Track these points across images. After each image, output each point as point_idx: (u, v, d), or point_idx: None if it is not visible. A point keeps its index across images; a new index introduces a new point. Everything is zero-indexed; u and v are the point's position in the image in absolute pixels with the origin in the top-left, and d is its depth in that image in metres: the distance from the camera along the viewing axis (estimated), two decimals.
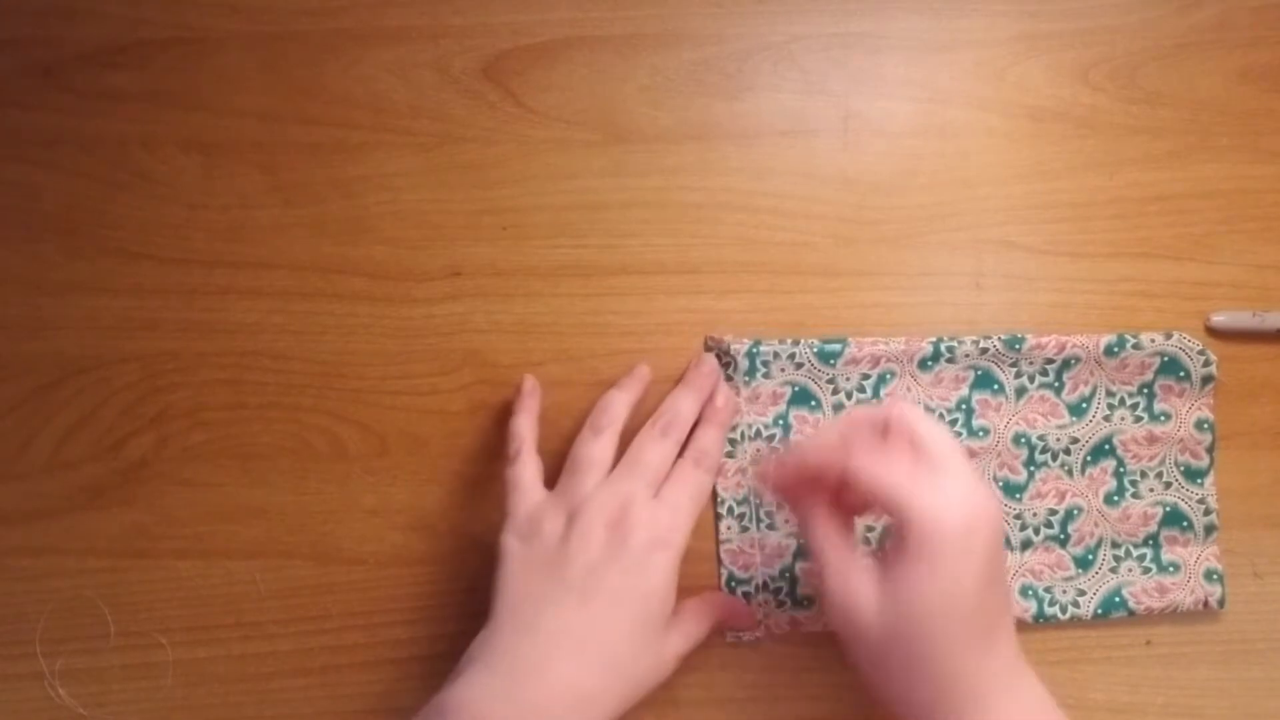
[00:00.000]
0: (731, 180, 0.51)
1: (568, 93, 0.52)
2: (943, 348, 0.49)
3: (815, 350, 0.48)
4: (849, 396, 0.49)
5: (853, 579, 0.39)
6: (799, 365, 0.49)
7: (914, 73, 0.52)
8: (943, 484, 0.39)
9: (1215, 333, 0.50)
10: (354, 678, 0.49)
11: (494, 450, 0.50)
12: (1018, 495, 0.49)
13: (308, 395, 0.50)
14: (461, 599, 0.49)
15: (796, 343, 0.49)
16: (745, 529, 0.49)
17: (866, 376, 0.48)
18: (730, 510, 0.49)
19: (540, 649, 0.41)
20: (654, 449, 0.46)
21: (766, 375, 0.49)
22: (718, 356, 0.49)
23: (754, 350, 0.49)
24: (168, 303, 0.51)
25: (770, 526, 0.49)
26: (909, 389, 0.49)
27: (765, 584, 0.48)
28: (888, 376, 0.49)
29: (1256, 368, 0.50)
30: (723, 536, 0.49)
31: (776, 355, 0.48)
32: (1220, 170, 0.51)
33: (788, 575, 0.48)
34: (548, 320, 0.51)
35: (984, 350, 0.49)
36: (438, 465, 0.50)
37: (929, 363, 0.49)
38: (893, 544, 0.39)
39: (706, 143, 0.51)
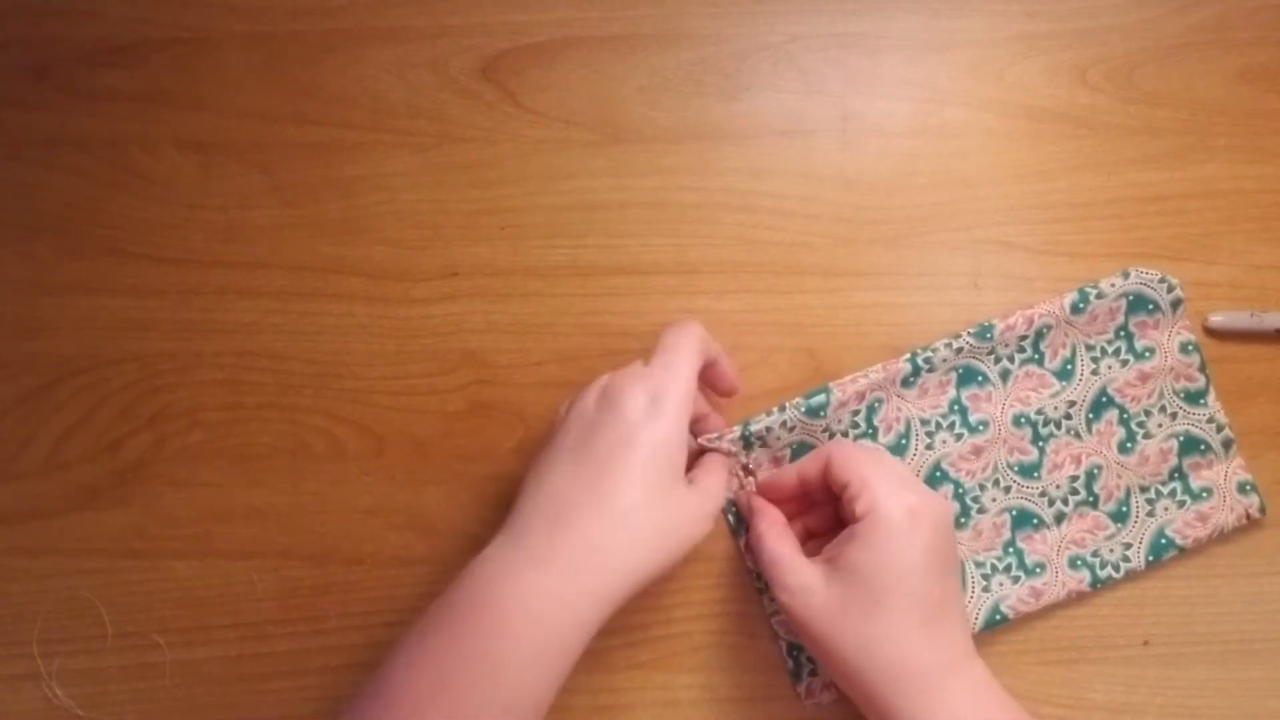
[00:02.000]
0: (730, 180, 0.51)
1: (565, 93, 0.52)
2: (920, 361, 0.48)
3: (802, 410, 0.48)
4: (846, 435, 0.49)
5: (807, 571, 0.43)
6: (791, 429, 0.48)
7: (912, 73, 0.52)
8: (897, 479, 0.43)
9: (1213, 333, 0.50)
10: (352, 678, 0.49)
11: (492, 450, 0.50)
12: (1035, 474, 0.49)
13: (305, 395, 0.50)
14: None
15: (783, 409, 0.48)
16: None
17: (857, 412, 0.48)
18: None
19: (542, 511, 0.41)
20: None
21: (764, 445, 0.48)
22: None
23: (746, 433, 0.48)
24: (165, 303, 0.51)
25: None
26: (900, 409, 0.49)
27: None
28: (877, 405, 0.48)
29: (1254, 368, 0.50)
30: (770, 610, 0.49)
31: (769, 429, 0.48)
32: (1218, 170, 0.51)
33: None
34: (545, 320, 0.51)
35: (959, 350, 0.49)
36: (435, 465, 0.50)
37: (911, 379, 0.49)
38: (842, 537, 0.43)
39: (705, 143, 0.51)
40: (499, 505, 0.50)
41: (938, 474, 0.49)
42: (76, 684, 0.49)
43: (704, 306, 0.51)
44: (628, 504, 0.40)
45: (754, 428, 0.47)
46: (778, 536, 0.45)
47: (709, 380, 0.47)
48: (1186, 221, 0.51)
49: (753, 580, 0.49)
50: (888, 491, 0.42)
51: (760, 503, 0.47)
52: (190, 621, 0.49)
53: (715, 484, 0.44)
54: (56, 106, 0.52)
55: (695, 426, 0.47)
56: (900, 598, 0.41)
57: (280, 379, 0.51)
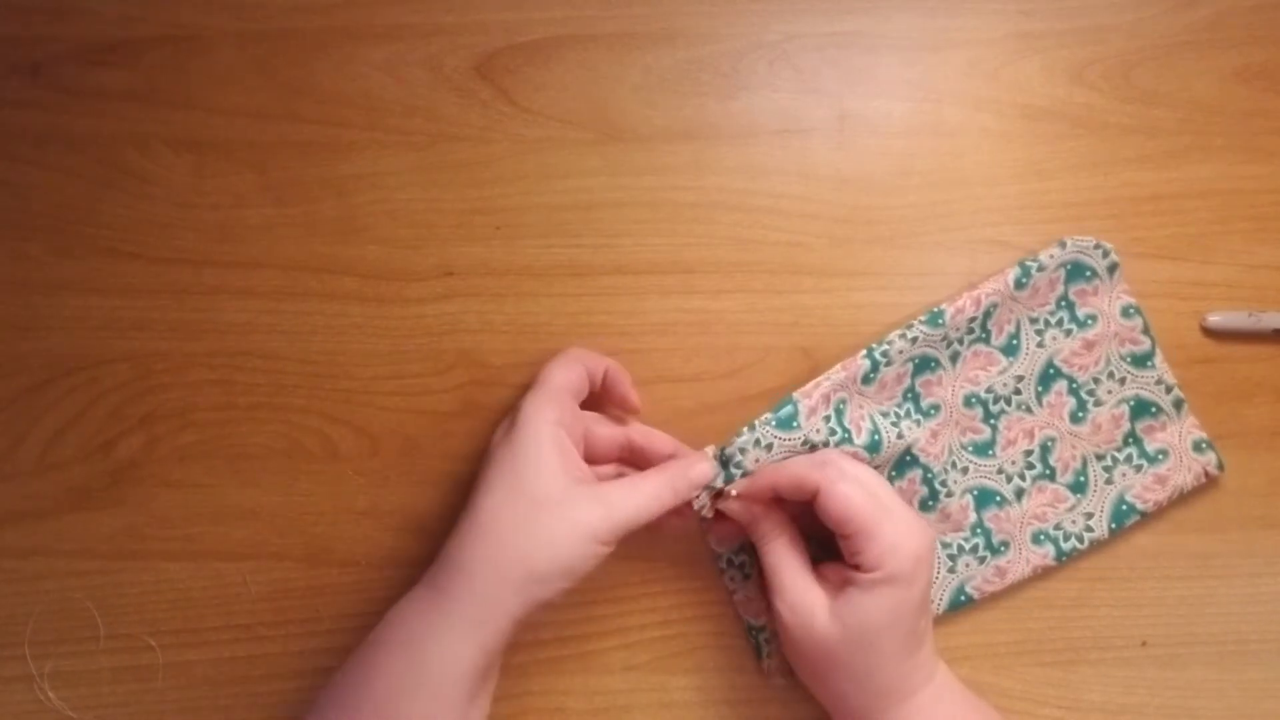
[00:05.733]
0: (726, 180, 0.51)
1: (561, 91, 0.52)
2: (878, 355, 0.48)
3: (773, 425, 0.46)
4: (826, 444, 0.47)
5: (810, 594, 0.43)
6: (768, 446, 0.46)
7: (909, 72, 0.52)
8: (896, 519, 0.42)
9: (1211, 333, 0.50)
10: None
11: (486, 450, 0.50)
12: (990, 451, 0.49)
13: (299, 396, 0.50)
14: None
15: (752, 428, 0.46)
16: (747, 576, 0.48)
17: (828, 418, 0.47)
18: (730, 563, 0.48)
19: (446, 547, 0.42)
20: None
21: (740, 467, 0.46)
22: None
23: (722, 457, 0.46)
24: (158, 302, 0.51)
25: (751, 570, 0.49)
26: (861, 407, 0.48)
27: None
28: (842, 406, 0.48)
29: (1252, 368, 0.50)
30: (731, 588, 0.49)
31: (744, 450, 0.46)
32: (1215, 170, 0.51)
33: None
34: (541, 320, 0.50)
35: (914, 340, 0.48)
36: (430, 466, 0.50)
37: (871, 375, 0.48)
38: (848, 577, 0.42)
39: (701, 142, 0.51)
40: None
41: (908, 458, 0.49)
42: (69, 686, 0.49)
43: (700, 306, 0.50)
44: (485, 516, 0.41)
45: (728, 450, 0.46)
46: (787, 545, 0.45)
47: (607, 393, 0.48)
48: (1183, 221, 0.51)
49: (715, 560, 0.49)
50: (893, 548, 0.42)
51: (763, 508, 0.45)
52: (183, 623, 0.49)
53: (623, 497, 0.42)
54: (48, 105, 0.52)
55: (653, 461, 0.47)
56: (897, 635, 0.42)
57: (274, 379, 0.50)
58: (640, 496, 0.42)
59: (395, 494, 0.50)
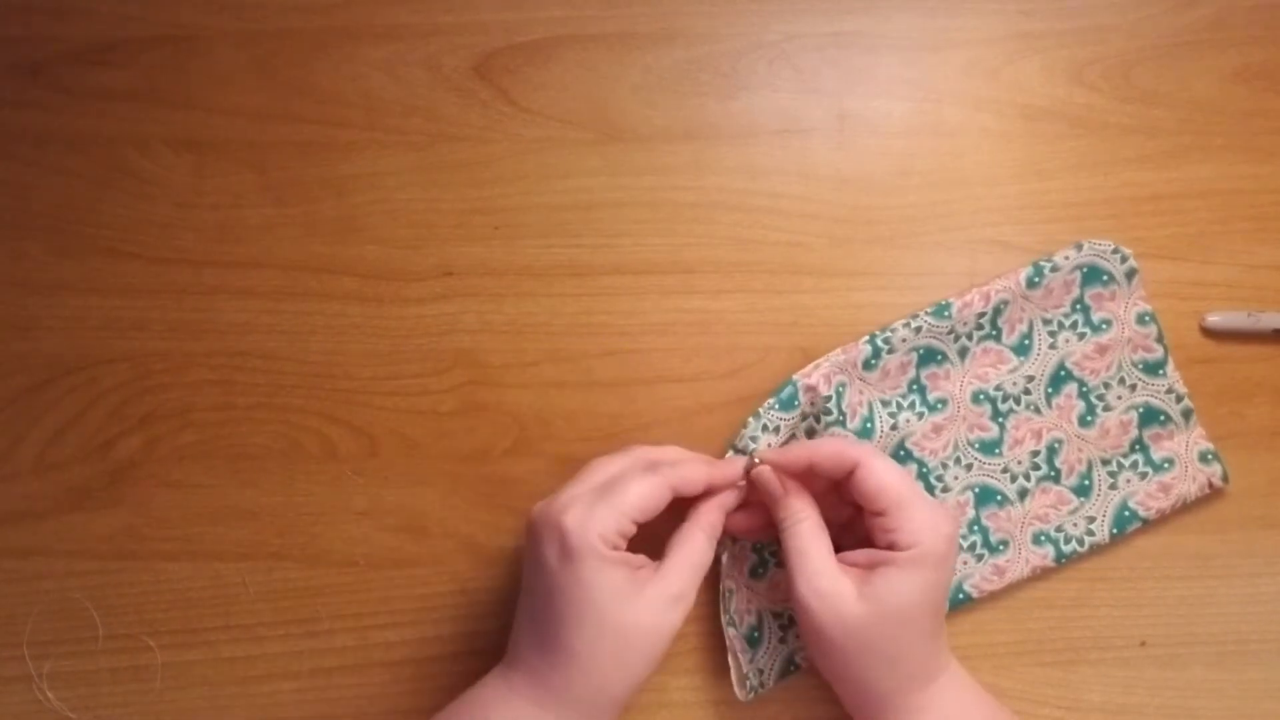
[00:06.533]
0: (726, 180, 0.51)
1: (560, 91, 0.52)
2: (879, 341, 0.48)
3: (777, 407, 0.47)
4: (819, 420, 0.48)
5: (840, 579, 0.42)
6: (775, 430, 0.47)
7: (908, 72, 0.52)
8: (926, 499, 0.43)
9: (1210, 333, 0.50)
10: (344, 680, 0.48)
11: (485, 451, 0.50)
12: (996, 450, 0.49)
13: (298, 396, 0.50)
14: (453, 601, 0.49)
15: (758, 415, 0.47)
16: (755, 573, 0.49)
17: (829, 398, 0.47)
18: (728, 558, 0.48)
19: (522, 656, 0.42)
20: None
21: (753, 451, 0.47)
22: None
23: (736, 451, 0.47)
24: (157, 302, 0.51)
25: (760, 568, 0.49)
26: (861, 393, 0.48)
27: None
28: (842, 389, 0.48)
29: (1252, 368, 0.50)
30: (725, 587, 0.48)
31: (754, 438, 0.47)
32: (1215, 170, 0.51)
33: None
34: (540, 320, 0.50)
35: (918, 329, 0.48)
36: (429, 466, 0.50)
37: (872, 362, 0.48)
38: (878, 559, 0.42)
39: (701, 142, 0.51)
40: (492, 506, 0.49)
41: (902, 453, 0.49)
42: (68, 686, 0.49)
43: (700, 306, 0.50)
44: (576, 653, 0.40)
45: (739, 445, 0.47)
46: (814, 532, 0.43)
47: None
48: (1183, 221, 0.51)
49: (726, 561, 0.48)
50: (930, 526, 0.42)
51: (795, 486, 0.44)
52: (182, 623, 0.49)
53: (682, 576, 0.42)
54: (48, 105, 0.52)
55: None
56: (927, 616, 0.42)
57: (273, 379, 0.50)
58: (693, 566, 0.43)
59: (394, 494, 0.50)
